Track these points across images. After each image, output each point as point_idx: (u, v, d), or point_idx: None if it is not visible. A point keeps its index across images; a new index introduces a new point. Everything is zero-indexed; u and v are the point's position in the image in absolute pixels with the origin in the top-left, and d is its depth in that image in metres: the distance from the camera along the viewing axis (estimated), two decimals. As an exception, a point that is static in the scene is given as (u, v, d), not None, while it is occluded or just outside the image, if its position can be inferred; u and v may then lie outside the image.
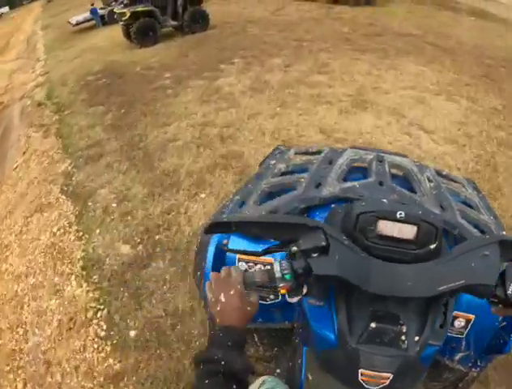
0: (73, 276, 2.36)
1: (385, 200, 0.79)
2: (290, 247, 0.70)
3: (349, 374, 0.70)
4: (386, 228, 0.72)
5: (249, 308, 0.69)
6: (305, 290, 0.72)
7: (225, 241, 1.03)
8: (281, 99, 4.39)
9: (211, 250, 1.04)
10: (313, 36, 7.07)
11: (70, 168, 3.54)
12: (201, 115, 4.09)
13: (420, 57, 5.82)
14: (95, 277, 2.30)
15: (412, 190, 1.10)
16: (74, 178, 3.36)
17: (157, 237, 2.56)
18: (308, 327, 0.81)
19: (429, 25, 8.19)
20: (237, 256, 1.02)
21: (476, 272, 0.65)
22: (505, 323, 0.96)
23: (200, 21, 7.98)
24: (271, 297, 1.00)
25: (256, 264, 0.96)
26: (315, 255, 0.67)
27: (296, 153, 1.47)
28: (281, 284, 0.69)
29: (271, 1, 11.09)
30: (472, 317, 0.94)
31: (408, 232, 0.72)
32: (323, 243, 0.67)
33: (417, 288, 0.66)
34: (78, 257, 2.48)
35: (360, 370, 0.68)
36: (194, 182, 2.95)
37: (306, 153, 1.47)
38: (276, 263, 0.70)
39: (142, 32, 7.25)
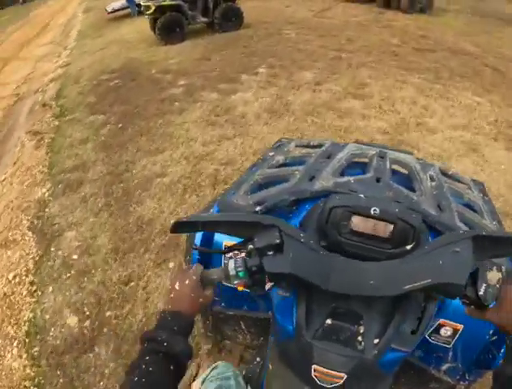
0: (16, 342, 2.11)
1: (361, 195, 0.78)
2: (247, 245, 0.69)
3: (303, 369, 0.68)
4: (360, 224, 0.71)
5: (201, 300, 0.70)
6: (268, 284, 0.68)
7: None
8: (300, 129, 3.72)
9: (199, 235, 1.05)
10: (356, 47, 6.22)
11: (46, 194, 3.18)
12: (200, 143, 3.51)
13: (476, 84, 4.87)
14: (35, 349, 2.03)
15: (412, 189, 1.05)
16: (47, 210, 3.00)
17: (108, 313, 2.15)
18: (273, 316, 0.80)
19: (489, 43, 6.96)
20: (224, 242, 1.01)
21: (445, 270, 0.61)
22: (495, 337, 0.89)
23: (233, 19, 7.27)
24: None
25: (241, 251, 0.87)
26: (270, 253, 0.65)
27: (297, 146, 1.42)
28: (235, 281, 0.68)
29: (318, -1, 10.21)
30: (460, 327, 0.89)
31: (383, 229, 0.70)
32: (277, 241, 0.65)
33: (381, 286, 0.63)
34: (26, 318, 2.21)
35: (313, 366, 0.65)
36: (166, 243, 2.41)
37: (307, 146, 1.42)
38: (231, 261, 0.68)
39: (168, 28, 6.65)
